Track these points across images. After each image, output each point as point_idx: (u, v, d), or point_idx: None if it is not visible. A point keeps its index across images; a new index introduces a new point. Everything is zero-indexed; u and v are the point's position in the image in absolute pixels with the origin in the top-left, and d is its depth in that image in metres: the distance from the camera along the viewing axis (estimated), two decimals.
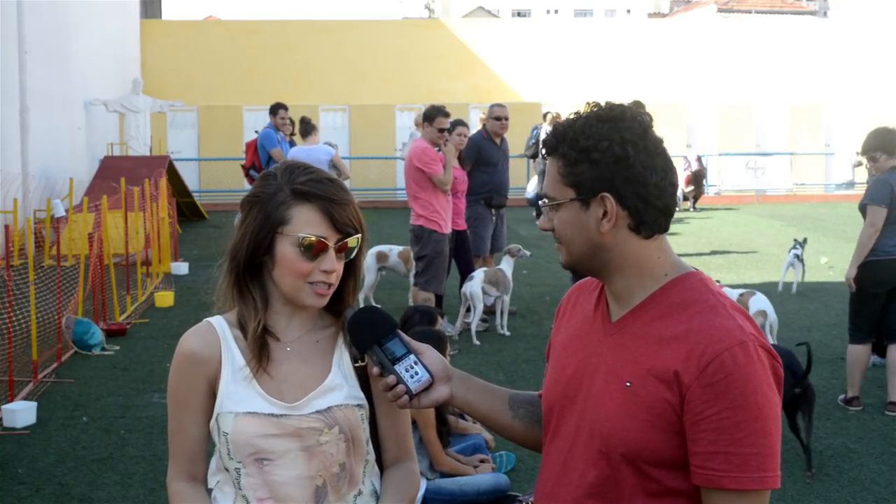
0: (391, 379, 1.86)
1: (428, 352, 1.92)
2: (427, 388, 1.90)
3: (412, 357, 1.89)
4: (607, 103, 1.83)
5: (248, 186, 14.23)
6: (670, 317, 1.76)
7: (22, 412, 6.18)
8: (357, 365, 2.03)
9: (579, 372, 1.85)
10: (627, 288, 1.82)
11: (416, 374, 1.88)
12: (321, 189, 1.95)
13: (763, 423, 1.67)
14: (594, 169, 1.76)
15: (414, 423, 4.76)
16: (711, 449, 1.67)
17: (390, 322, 1.92)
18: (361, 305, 2.00)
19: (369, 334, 1.90)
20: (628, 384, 1.75)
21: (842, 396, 6.66)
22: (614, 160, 1.75)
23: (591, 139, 1.76)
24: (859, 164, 24.23)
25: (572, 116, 1.83)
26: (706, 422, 1.67)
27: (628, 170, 1.75)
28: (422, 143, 8.34)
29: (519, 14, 64.34)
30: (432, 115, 8.32)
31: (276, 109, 12.08)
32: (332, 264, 1.95)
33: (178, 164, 17.70)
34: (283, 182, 1.97)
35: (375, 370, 1.89)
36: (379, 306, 1.99)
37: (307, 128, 11.07)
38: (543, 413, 1.95)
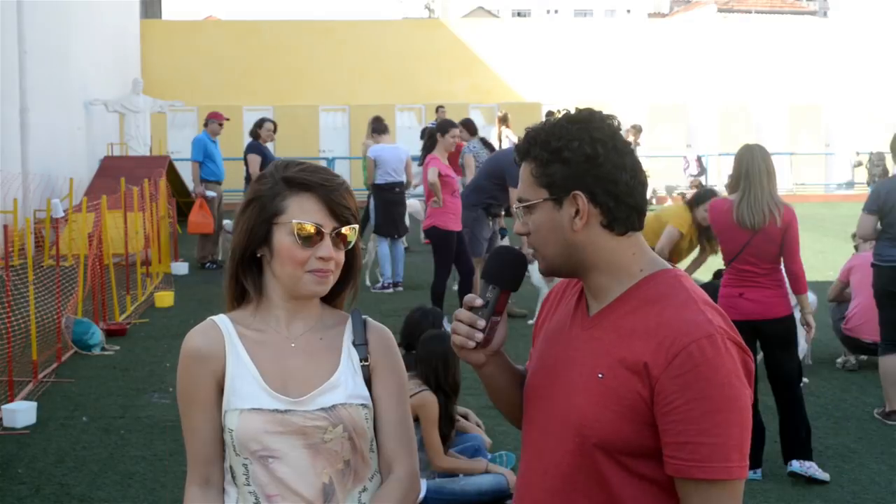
0: (480, 323, 1.87)
1: (504, 322, 1.95)
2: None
3: (499, 317, 1.92)
4: (576, 108, 1.89)
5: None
6: (643, 310, 1.81)
7: (22, 412, 6.18)
8: (364, 364, 2.04)
9: (557, 364, 1.91)
10: (603, 285, 1.87)
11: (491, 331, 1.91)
12: (315, 177, 1.97)
13: (729, 414, 1.72)
14: (566, 168, 1.82)
15: (416, 419, 4.77)
16: (680, 439, 1.72)
17: (519, 281, 1.95)
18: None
19: (506, 277, 1.91)
20: (601, 375, 1.80)
21: (879, 409, 6.42)
22: (584, 158, 1.81)
23: (562, 139, 1.82)
24: (859, 163, 24.26)
25: (544, 121, 1.89)
26: (674, 412, 1.72)
27: (599, 168, 1.81)
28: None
29: (519, 14, 64.30)
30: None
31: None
32: (329, 251, 1.95)
33: (178, 164, 17.69)
34: (277, 176, 1.99)
35: (479, 301, 1.89)
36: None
37: (382, 126, 11.43)
38: (523, 401, 2.00)
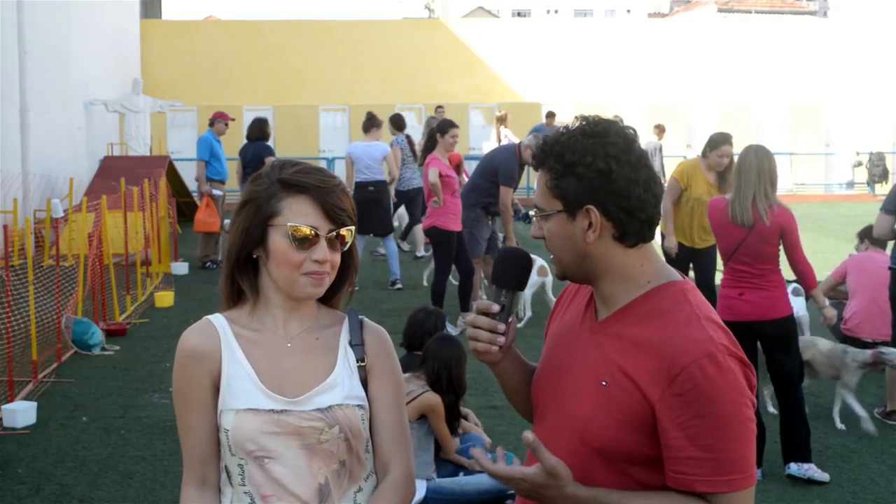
0: (501, 327, 1.92)
1: (515, 320, 2.00)
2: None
3: (512, 317, 1.97)
4: (593, 118, 1.91)
5: None
6: (646, 323, 1.84)
7: (22, 412, 6.18)
8: (361, 364, 2.03)
9: (564, 365, 1.95)
10: (612, 293, 1.91)
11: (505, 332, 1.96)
12: (310, 179, 1.97)
13: (731, 429, 1.76)
14: (579, 183, 1.85)
15: (423, 416, 4.79)
16: (682, 454, 1.76)
17: (527, 278, 2.00)
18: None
19: (516, 278, 1.96)
20: (604, 383, 1.84)
21: (879, 409, 6.44)
22: (598, 174, 1.83)
23: (576, 154, 1.84)
24: (859, 163, 24.26)
25: (561, 130, 1.91)
26: (676, 429, 1.76)
27: (612, 184, 1.83)
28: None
29: (519, 14, 64.30)
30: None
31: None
32: (324, 254, 1.95)
33: (177, 164, 17.69)
34: (273, 177, 1.99)
35: (496, 307, 1.93)
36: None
37: (368, 123, 11.34)
38: (532, 396, 2.04)
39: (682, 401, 1.75)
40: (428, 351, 4.98)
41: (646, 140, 18.49)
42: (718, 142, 7.33)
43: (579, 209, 1.85)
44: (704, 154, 7.43)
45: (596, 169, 1.83)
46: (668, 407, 1.76)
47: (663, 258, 1.99)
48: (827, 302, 5.61)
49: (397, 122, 12.76)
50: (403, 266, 11.65)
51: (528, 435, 1.78)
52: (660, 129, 18.89)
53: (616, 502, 1.80)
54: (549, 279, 9.07)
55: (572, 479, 1.80)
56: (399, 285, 10.95)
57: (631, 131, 1.89)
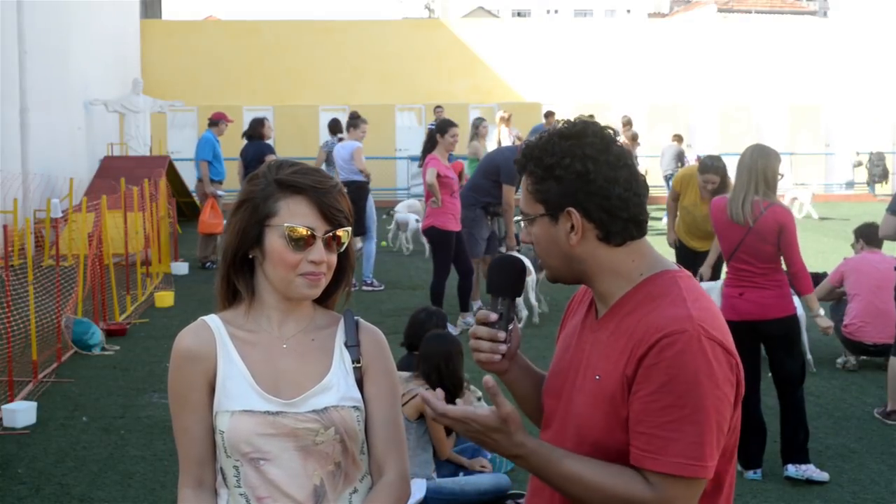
0: (501, 335, 1.91)
1: (517, 326, 2.01)
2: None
3: (512, 324, 1.96)
4: (573, 120, 1.92)
5: None
6: (636, 312, 1.84)
7: (22, 412, 6.17)
8: (356, 365, 2.03)
9: (567, 366, 1.95)
10: (607, 290, 1.91)
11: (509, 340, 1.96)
12: (307, 179, 1.96)
13: (689, 412, 1.72)
14: (558, 185, 1.85)
15: (422, 416, 4.79)
16: (639, 429, 1.75)
17: (522, 285, 2.00)
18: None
19: (510, 286, 1.95)
20: (597, 377, 1.84)
21: (879, 409, 6.40)
22: (576, 176, 1.84)
23: (554, 156, 1.85)
24: (859, 163, 24.25)
25: (541, 134, 1.92)
26: (638, 401, 1.75)
27: (590, 184, 1.84)
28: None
29: (519, 14, 64.28)
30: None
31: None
32: (321, 254, 1.95)
33: (178, 164, 17.68)
34: (270, 178, 1.98)
35: (493, 316, 1.91)
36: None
37: (344, 124, 11.41)
38: (542, 403, 2.04)
39: (646, 374, 1.74)
40: (421, 349, 5.00)
41: (666, 145, 18.61)
42: (706, 168, 7.28)
43: (560, 212, 1.86)
44: (700, 171, 7.43)
45: (573, 170, 1.83)
46: (635, 381, 1.75)
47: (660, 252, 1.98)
48: (822, 311, 5.46)
49: (333, 127, 12.77)
50: (403, 267, 11.66)
51: (489, 379, 1.78)
52: (678, 138, 19.07)
53: (558, 458, 1.77)
54: (532, 278, 8.91)
55: (523, 428, 1.80)
56: (367, 287, 10.84)
57: (609, 131, 1.89)
